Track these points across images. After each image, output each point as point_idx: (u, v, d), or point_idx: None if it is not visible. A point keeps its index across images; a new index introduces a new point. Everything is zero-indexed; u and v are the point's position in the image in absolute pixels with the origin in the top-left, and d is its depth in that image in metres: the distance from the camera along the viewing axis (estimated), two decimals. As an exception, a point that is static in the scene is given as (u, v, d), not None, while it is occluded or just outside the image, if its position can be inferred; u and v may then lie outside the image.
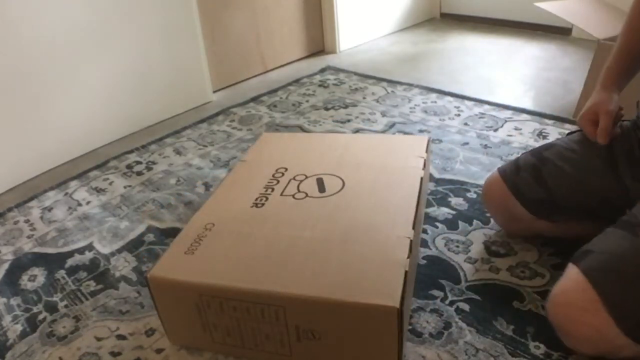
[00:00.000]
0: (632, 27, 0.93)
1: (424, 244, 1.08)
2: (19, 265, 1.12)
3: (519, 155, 1.03)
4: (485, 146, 1.45)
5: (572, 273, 0.73)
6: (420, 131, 1.57)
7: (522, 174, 0.97)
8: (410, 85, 1.92)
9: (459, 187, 1.27)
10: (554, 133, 1.49)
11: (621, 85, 0.93)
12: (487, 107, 1.70)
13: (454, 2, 2.75)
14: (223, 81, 2.05)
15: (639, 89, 0.97)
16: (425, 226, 1.13)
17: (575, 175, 0.92)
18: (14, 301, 1.02)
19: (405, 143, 1.15)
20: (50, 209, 1.32)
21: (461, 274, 0.99)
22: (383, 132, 1.59)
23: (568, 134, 1.02)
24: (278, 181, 1.02)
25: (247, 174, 1.07)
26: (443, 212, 1.18)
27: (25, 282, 1.07)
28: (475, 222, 1.14)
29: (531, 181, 0.96)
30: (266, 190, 0.99)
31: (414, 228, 0.85)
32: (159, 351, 0.88)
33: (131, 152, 1.59)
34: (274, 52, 2.21)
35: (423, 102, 1.77)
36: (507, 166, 1.02)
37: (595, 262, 0.72)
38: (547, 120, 1.57)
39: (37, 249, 1.17)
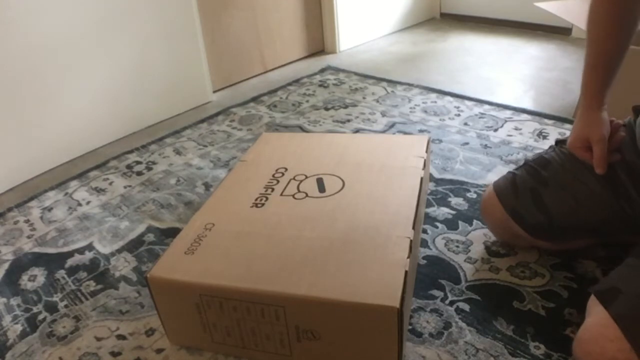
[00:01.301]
0: (606, 35, 0.86)
1: (424, 244, 1.08)
2: (19, 265, 1.12)
3: (515, 171, 0.98)
4: (485, 146, 1.45)
5: (601, 317, 0.68)
6: (420, 131, 1.57)
7: (521, 197, 0.94)
8: (410, 85, 1.92)
9: (459, 187, 1.27)
10: (554, 133, 1.49)
11: (606, 99, 0.88)
12: (487, 107, 1.70)
13: (454, 2, 2.75)
14: (223, 81, 2.05)
15: (633, 92, 0.95)
16: (425, 226, 1.13)
17: (575, 200, 0.89)
18: (14, 301, 1.02)
19: (405, 143, 1.15)
20: (50, 209, 1.32)
21: (461, 274, 0.99)
22: (383, 132, 1.59)
23: (558, 142, 0.98)
24: (278, 181, 1.02)
25: (247, 174, 1.07)
26: (443, 212, 1.18)
27: (25, 282, 1.07)
28: (475, 222, 1.14)
29: (531, 206, 0.92)
30: (266, 190, 0.99)
31: (414, 228, 0.85)
32: (159, 351, 0.88)
33: (131, 152, 1.59)
34: (274, 52, 2.21)
35: (423, 102, 1.77)
36: (502, 183, 0.98)
37: (626, 307, 0.67)
38: (547, 120, 1.57)
39: (37, 249, 1.17)
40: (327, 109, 1.79)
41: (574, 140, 0.90)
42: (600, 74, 0.89)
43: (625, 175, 0.86)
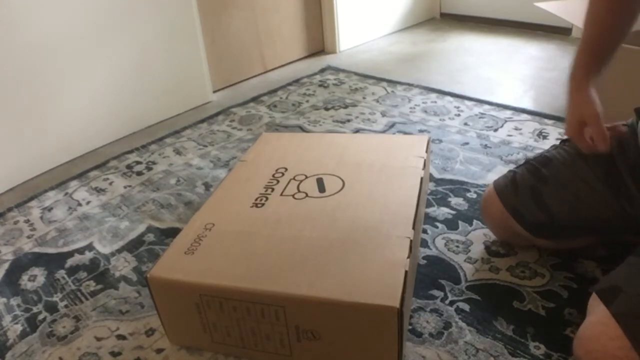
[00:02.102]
0: (600, 20, 0.85)
1: (424, 244, 1.08)
2: (19, 265, 1.12)
3: (516, 169, 0.98)
4: (485, 146, 1.45)
5: (602, 315, 0.67)
6: (420, 131, 1.57)
7: (521, 196, 0.94)
8: (410, 85, 1.92)
9: (459, 187, 1.27)
10: (554, 133, 1.49)
11: (595, 79, 0.85)
12: (487, 107, 1.70)
13: (454, 2, 2.75)
14: (223, 81, 2.05)
15: (635, 93, 0.95)
16: (425, 226, 1.13)
17: (576, 198, 0.89)
18: (14, 301, 1.02)
19: (405, 143, 1.15)
20: (50, 209, 1.32)
21: (461, 274, 0.99)
22: (383, 132, 1.59)
23: (562, 141, 0.98)
24: (278, 181, 1.02)
25: (247, 174, 1.07)
26: (443, 212, 1.18)
27: (25, 282, 1.07)
28: (475, 222, 1.14)
29: (531, 205, 0.92)
30: (266, 190, 0.99)
31: (414, 228, 0.85)
32: (159, 351, 0.88)
33: (131, 152, 1.59)
34: (274, 52, 2.21)
35: (423, 102, 1.77)
36: (503, 182, 0.98)
37: (627, 305, 0.67)
38: (547, 120, 1.57)
39: (37, 249, 1.17)
40: (327, 109, 1.79)
41: (571, 127, 0.87)
42: (595, 56, 0.86)
43: (627, 174, 0.86)
